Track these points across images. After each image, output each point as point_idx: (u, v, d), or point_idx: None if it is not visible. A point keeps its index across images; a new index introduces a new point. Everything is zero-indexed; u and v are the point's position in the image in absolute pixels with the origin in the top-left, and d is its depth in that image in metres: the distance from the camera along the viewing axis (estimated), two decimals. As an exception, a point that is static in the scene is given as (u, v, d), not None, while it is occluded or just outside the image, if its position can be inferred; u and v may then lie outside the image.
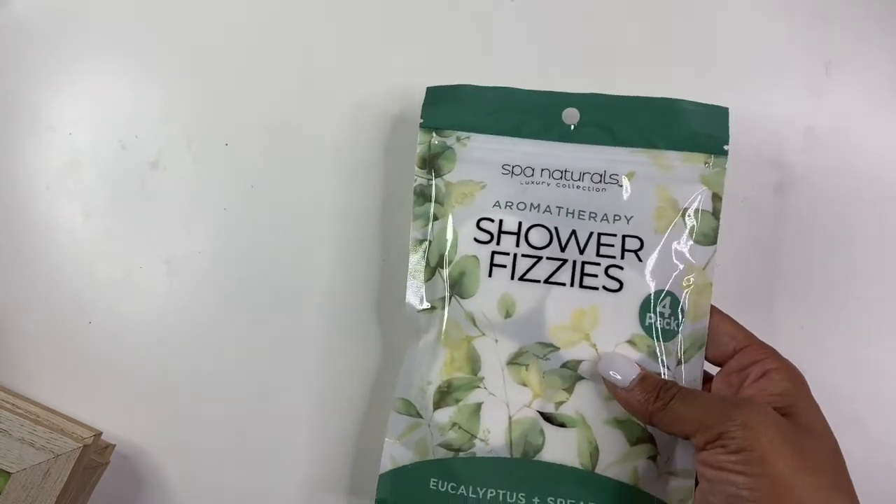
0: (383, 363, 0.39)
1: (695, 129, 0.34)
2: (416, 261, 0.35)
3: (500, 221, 0.34)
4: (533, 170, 0.34)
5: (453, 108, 0.35)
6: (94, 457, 0.37)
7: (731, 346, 0.32)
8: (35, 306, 0.40)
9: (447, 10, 0.42)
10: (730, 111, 0.34)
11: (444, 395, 0.33)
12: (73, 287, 0.40)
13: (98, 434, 0.37)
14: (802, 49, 0.41)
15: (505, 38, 0.42)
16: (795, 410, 0.29)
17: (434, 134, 0.35)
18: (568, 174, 0.34)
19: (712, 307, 0.33)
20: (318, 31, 0.42)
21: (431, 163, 0.35)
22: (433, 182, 0.35)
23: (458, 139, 0.35)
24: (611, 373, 0.31)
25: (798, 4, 0.41)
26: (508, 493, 0.32)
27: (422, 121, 0.35)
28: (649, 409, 0.30)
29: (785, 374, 0.30)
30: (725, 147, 0.34)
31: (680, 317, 0.33)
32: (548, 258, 0.33)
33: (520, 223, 0.34)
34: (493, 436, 0.32)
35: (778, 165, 0.40)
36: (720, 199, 0.34)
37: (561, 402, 0.32)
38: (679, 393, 0.30)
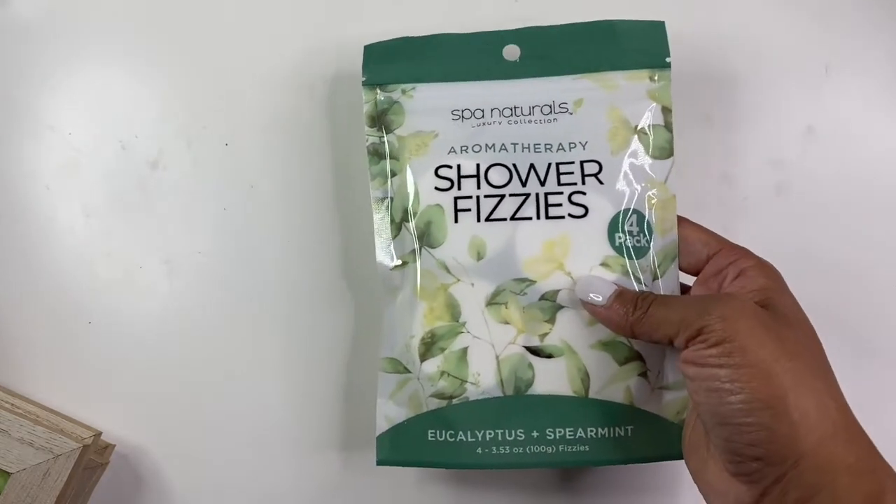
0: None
1: (635, 46, 0.34)
2: (380, 219, 0.34)
3: (458, 166, 0.34)
4: (483, 111, 0.34)
5: (393, 62, 0.35)
6: (93, 457, 0.36)
7: (704, 252, 0.32)
8: (35, 306, 0.39)
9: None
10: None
11: (429, 345, 0.33)
12: (73, 287, 0.39)
13: (98, 434, 0.37)
14: (802, 49, 0.41)
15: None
16: (773, 303, 0.29)
17: (378, 90, 0.35)
18: (518, 110, 0.34)
19: (680, 217, 0.33)
20: (321, 31, 0.41)
21: (380, 119, 0.35)
22: (385, 139, 0.35)
23: (404, 92, 0.35)
24: (590, 295, 0.31)
25: (798, 4, 0.41)
26: (507, 430, 0.32)
27: (364, 79, 0.35)
28: (630, 321, 0.30)
29: (760, 271, 0.30)
30: (667, 59, 0.34)
31: (648, 232, 0.33)
32: (510, 195, 0.33)
33: (478, 165, 0.34)
34: (483, 378, 0.32)
35: (778, 165, 0.40)
36: (670, 111, 0.34)
37: (545, 334, 0.32)
38: (656, 300, 0.30)
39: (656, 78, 0.34)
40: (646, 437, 0.32)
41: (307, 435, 0.39)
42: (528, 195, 0.33)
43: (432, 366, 0.33)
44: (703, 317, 0.27)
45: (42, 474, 0.34)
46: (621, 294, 0.31)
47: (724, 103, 0.40)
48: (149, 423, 0.39)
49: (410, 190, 0.34)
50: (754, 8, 0.41)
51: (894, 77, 0.40)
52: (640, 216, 0.33)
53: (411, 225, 0.34)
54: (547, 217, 0.33)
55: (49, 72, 0.41)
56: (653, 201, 0.33)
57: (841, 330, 0.38)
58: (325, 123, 0.40)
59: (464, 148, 0.34)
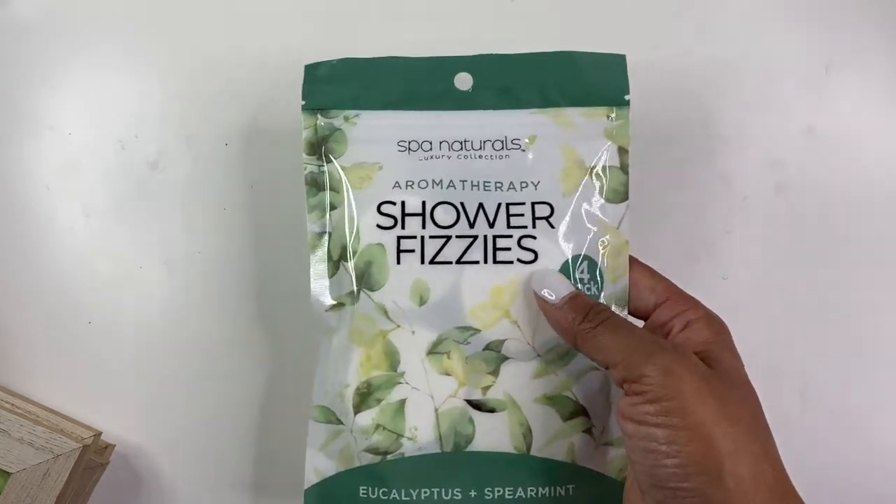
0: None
1: (593, 81, 0.32)
2: (317, 256, 0.32)
3: (403, 203, 0.31)
4: (431, 143, 0.32)
5: (336, 85, 0.32)
6: (93, 457, 0.36)
7: (651, 299, 0.31)
8: (35, 306, 0.39)
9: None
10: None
11: (364, 396, 0.31)
12: (73, 287, 0.40)
13: (98, 434, 0.37)
14: (802, 49, 0.40)
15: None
16: (716, 359, 0.28)
17: (319, 115, 0.32)
18: (468, 144, 0.32)
19: (632, 261, 0.32)
20: (320, 30, 0.41)
21: (320, 147, 0.32)
22: (325, 168, 0.32)
23: (346, 119, 0.32)
24: (544, 291, 0.30)
25: (798, 4, 0.41)
26: (443, 490, 0.30)
27: (303, 103, 0.32)
28: (575, 329, 0.29)
29: (706, 323, 0.29)
30: (626, 97, 0.32)
31: (600, 280, 0.31)
32: (457, 236, 0.31)
33: (423, 202, 0.31)
34: (420, 432, 0.30)
35: (778, 165, 0.40)
36: (626, 152, 0.32)
37: (488, 387, 0.31)
38: (609, 319, 0.28)
39: (614, 116, 0.32)
40: (587, 495, 0.31)
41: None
42: (475, 237, 0.31)
43: (367, 418, 0.31)
44: (647, 363, 0.26)
45: (42, 474, 0.34)
46: (575, 298, 0.29)
47: (723, 103, 0.40)
48: (149, 423, 0.39)
49: (350, 226, 0.32)
50: (755, 8, 0.41)
51: (894, 77, 0.41)
52: (592, 263, 0.31)
53: (350, 264, 0.31)
54: (495, 261, 0.31)
55: (49, 72, 0.40)
56: (605, 247, 0.31)
57: (840, 329, 0.39)
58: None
59: (409, 183, 0.32)
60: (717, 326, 0.30)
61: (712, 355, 0.28)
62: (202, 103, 0.40)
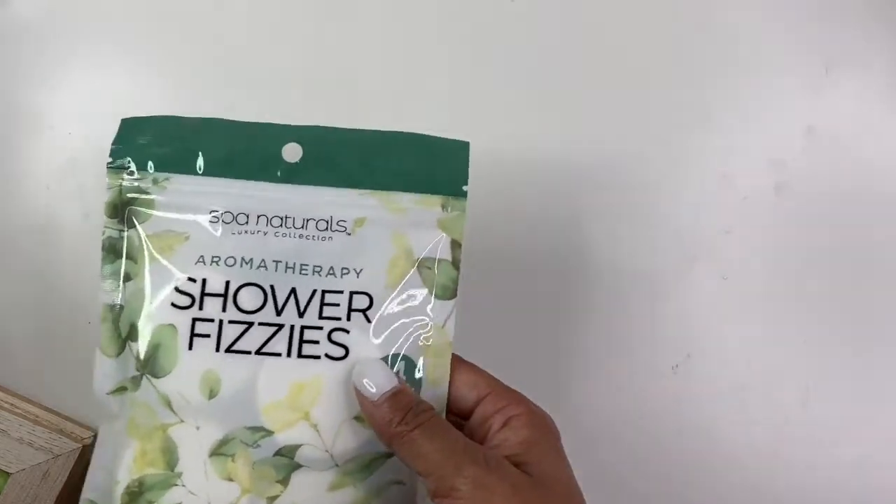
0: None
1: (431, 167, 0.30)
2: (105, 330, 0.29)
3: (204, 281, 0.28)
4: (247, 216, 0.29)
5: (149, 144, 0.29)
6: None
7: (473, 395, 0.29)
8: (35, 306, 0.39)
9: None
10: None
11: (135, 496, 0.27)
12: (73, 287, 0.39)
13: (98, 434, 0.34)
14: (802, 49, 0.41)
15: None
16: (534, 462, 0.26)
17: (125, 176, 0.29)
18: (289, 221, 0.29)
19: (455, 359, 0.29)
20: (320, 31, 0.41)
21: (124, 210, 0.29)
22: (125, 234, 0.29)
23: (156, 181, 0.29)
24: (364, 381, 0.27)
25: (798, 4, 0.41)
26: None
27: (110, 160, 0.29)
28: (391, 432, 0.26)
29: (526, 420, 0.27)
30: (464, 188, 0.30)
31: (418, 382, 0.29)
32: (260, 324, 0.28)
33: (227, 283, 0.28)
34: (192, 544, 0.27)
35: (778, 165, 0.40)
36: (460, 246, 0.30)
37: (275, 497, 0.27)
38: (428, 423, 0.26)
39: (449, 207, 0.30)
40: None
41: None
42: (281, 326, 0.28)
43: (134, 522, 0.27)
44: (458, 475, 0.24)
45: (42, 474, 0.34)
46: (397, 395, 0.27)
47: (724, 103, 0.41)
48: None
49: (143, 302, 0.28)
50: (755, 7, 0.41)
51: (894, 77, 0.41)
52: (410, 363, 0.29)
53: (137, 345, 0.28)
54: (300, 355, 0.28)
55: (49, 72, 0.41)
56: (427, 347, 0.29)
57: (840, 328, 0.39)
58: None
59: (215, 259, 0.29)
60: (538, 424, 0.27)
61: (531, 458, 0.26)
62: (202, 103, 0.40)
